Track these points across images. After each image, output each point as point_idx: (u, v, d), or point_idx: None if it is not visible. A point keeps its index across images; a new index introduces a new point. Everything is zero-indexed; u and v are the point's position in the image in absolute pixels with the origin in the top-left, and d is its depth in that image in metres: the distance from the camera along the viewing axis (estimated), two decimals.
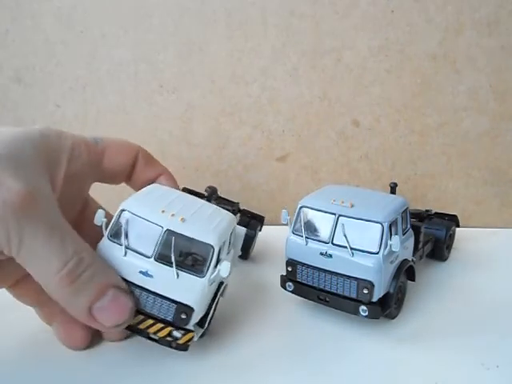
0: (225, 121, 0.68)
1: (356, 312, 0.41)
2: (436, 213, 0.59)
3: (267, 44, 0.65)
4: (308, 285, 0.44)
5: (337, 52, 0.64)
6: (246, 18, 0.64)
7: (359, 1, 0.62)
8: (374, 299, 0.41)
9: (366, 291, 0.40)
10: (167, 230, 0.34)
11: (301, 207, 0.45)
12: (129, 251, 0.35)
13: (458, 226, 0.59)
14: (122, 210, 0.36)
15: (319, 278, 0.43)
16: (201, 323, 0.37)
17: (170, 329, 0.35)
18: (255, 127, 0.68)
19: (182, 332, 0.35)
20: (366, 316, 0.41)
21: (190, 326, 0.35)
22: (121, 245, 0.35)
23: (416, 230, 0.48)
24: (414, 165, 0.67)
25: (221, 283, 0.39)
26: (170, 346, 0.35)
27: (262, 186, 0.70)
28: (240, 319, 0.45)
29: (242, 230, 0.50)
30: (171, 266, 0.34)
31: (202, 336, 0.38)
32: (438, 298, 0.48)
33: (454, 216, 0.59)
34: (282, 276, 0.46)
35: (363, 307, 0.41)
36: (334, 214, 0.42)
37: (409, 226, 0.46)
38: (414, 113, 0.65)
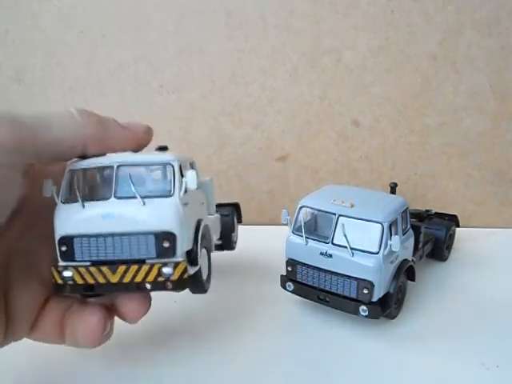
0: (225, 121, 0.68)
1: (356, 312, 0.41)
2: (436, 213, 0.59)
3: (267, 44, 0.65)
4: (308, 285, 0.44)
5: (337, 52, 0.64)
6: (246, 18, 0.64)
7: (359, 1, 0.62)
8: (374, 299, 0.41)
9: (366, 291, 0.40)
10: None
11: (301, 207, 0.45)
12: None
13: (457, 225, 0.59)
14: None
15: (319, 277, 0.43)
16: (191, 260, 0.33)
17: (158, 266, 0.31)
18: (255, 127, 0.68)
19: (172, 265, 0.31)
20: (366, 316, 0.41)
21: (178, 257, 0.32)
22: None
23: (416, 230, 0.48)
24: (414, 165, 0.67)
25: (199, 221, 0.36)
26: (166, 289, 0.31)
27: (262, 186, 0.70)
28: (240, 319, 0.45)
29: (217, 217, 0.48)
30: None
31: (202, 291, 0.35)
32: (438, 298, 0.48)
33: (454, 216, 0.59)
34: (281, 276, 0.46)
35: (363, 307, 0.41)
36: (334, 213, 0.42)
37: (409, 226, 0.46)
38: (414, 113, 0.65)
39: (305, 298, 0.45)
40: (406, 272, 0.44)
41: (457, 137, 0.65)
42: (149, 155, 0.34)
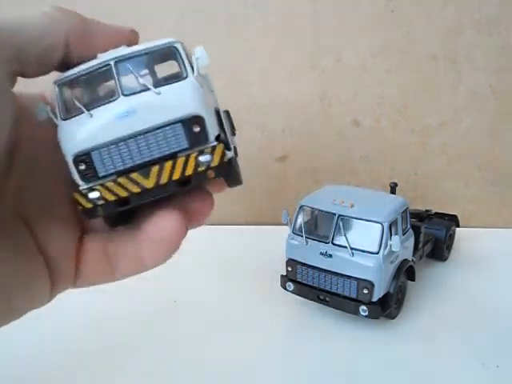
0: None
1: (356, 312, 0.41)
2: (436, 213, 0.59)
3: (267, 44, 0.65)
4: (308, 285, 0.44)
5: (337, 52, 0.64)
6: (246, 18, 0.64)
7: (359, 1, 0.62)
8: (374, 299, 0.41)
9: (366, 291, 0.41)
10: None
11: (301, 207, 0.45)
12: None
13: (457, 226, 0.59)
14: None
15: (319, 278, 0.43)
16: (225, 144, 0.29)
17: (194, 155, 0.27)
18: (255, 127, 0.68)
19: (209, 150, 0.28)
20: (366, 316, 0.41)
21: (212, 142, 0.28)
22: None
23: (416, 230, 0.48)
24: (414, 165, 0.67)
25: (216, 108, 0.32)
26: (208, 178, 0.28)
27: (262, 186, 0.70)
28: (240, 319, 0.45)
29: None
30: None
31: (239, 181, 0.32)
32: (438, 297, 0.48)
33: (454, 216, 0.59)
34: (282, 276, 0.46)
35: (363, 307, 0.41)
36: (334, 213, 0.42)
37: (409, 225, 0.46)
38: (414, 113, 0.65)
39: (305, 297, 0.45)
40: (405, 272, 0.44)
41: (457, 137, 0.65)
42: (147, 43, 0.29)
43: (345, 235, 0.41)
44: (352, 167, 0.68)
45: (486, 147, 0.65)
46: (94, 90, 0.29)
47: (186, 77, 0.28)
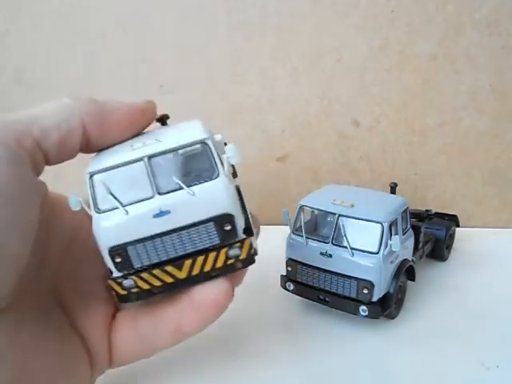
0: (225, 121, 0.68)
1: (356, 312, 0.41)
2: (436, 213, 0.59)
3: (267, 44, 0.65)
4: (308, 285, 0.44)
5: (337, 52, 0.64)
6: (246, 18, 0.64)
7: (359, 1, 0.62)
8: (374, 299, 0.41)
9: (366, 291, 0.41)
10: None
11: (301, 207, 0.45)
12: None
13: (457, 225, 0.59)
14: None
15: (319, 277, 0.43)
16: (247, 231, 0.31)
17: (225, 251, 0.30)
18: (255, 127, 0.68)
19: (238, 246, 0.30)
20: (366, 316, 0.41)
21: (240, 236, 0.30)
22: None
23: (416, 230, 0.48)
24: (414, 165, 0.67)
25: (237, 187, 0.33)
26: (236, 269, 0.30)
27: (262, 186, 0.70)
28: (240, 319, 0.45)
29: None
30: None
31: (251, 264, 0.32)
32: (438, 298, 0.48)
33: (454, 216, 0.59)
34: (282, 276, 0.46)
35: (363, 307, 0.41)
36: (334, 213, 0.43)
37: (409, 225, 0.46)
38: (414, 113, 0.65)
39: (305, 298, 0.45)
40: (406, 272, 0.44)
41: (457, 137, 0.65)
42: (178, 136, 0.31)
43: (345, 235, 0.41)
44: (352, 167, 0.68)
45: (486, 147, 0.65)
46: (127, 183, 0.30)
47: (218, 176, 0.29)
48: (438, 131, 0.65)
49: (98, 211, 0.29)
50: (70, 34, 0.67)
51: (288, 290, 0.45)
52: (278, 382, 0.37)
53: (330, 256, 0.42)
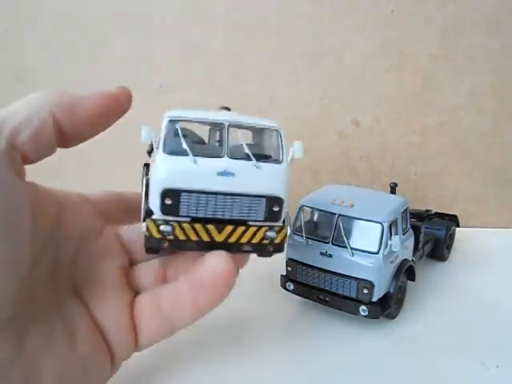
0: None
1: (356, 312, 0.41)
2: (436, 213, 0.59)
3: (267, 44, 0.65)
4: (308, 285, 0.44)
5: (337, 52, 0.64)
6: (246, 18, 0.64)
7: (359, 1, 0.62)
8: (374, 299, 0.41)
9: (365, 291, 0.41)
10: None
11: (301, 207, 0.45)
12: None
13: (457, 225, 0.59)
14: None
15: (319, 277, 0.43)
16: (284, 222, 0.33)
17: (264, 229, 0.31)
18: None
19: (276, 229, 0.32)
20: (365, 316, 0.41)
21: (280, 222, 0.32)
22: None
23: (416, 230, 0.48)
24: (414, 165, 0.67)
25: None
26: (266, 251, 0.32)
27: None
28: (240, 319, 0.45)
29: None
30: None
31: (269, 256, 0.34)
32: (438, 298, 0.48)
33: (454, 216, 0.59)
34: (282, 276, 0.46)
35: (363, 307, 0.41)
36: (334, 213, 0.42)
37: (409, 225, 0.46)
38: (414, 113, 0.65)
39: (305, 297, 0.45)
40: (406, 272, 0.44)
41: (457, 137, 0.65)
42: (255, 118, 0.33)
43: (345, 235, 0.41)
44: (352, 167, 0.68)
45: (486, 147, 0.65)
46: (201, 139, 0.33)
47: (282, 162, 0.32)
48: (438, 131, 0.65)
49: (167, 152, 0.30)
50: (70, 33, 0.67)
51: (288, 290, 0.45)
52: (278, 381, 0.37)
53: (330, 256, 0.42)
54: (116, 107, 0.31)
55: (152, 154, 0.34)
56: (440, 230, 0.56)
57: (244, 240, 0.31)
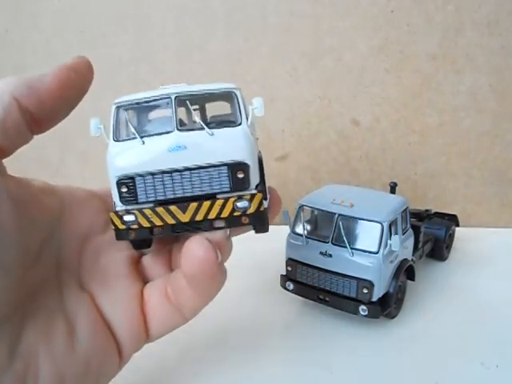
0: None
1: (356, 311, 0.41)
2: (436, 212, 0.59)
3: (267, 44, 0.65)
4: (308, 284, 0.44)
5: (337, 52, 0.64)
6: (246, 18, 0.64)
7: (359, 1, 0.62)
8: (374, 299, 0.41)
9: (365, 291, 0.41)
10: None
11: (301, 206, 0.45)
12: None
13: (457, 225, 0.59)
14: None
15: (319, 277, 0.43)
16: (260, 191, 0.30)
17: (233, 200, 0.28)
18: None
19: (247, 198, 0.29)
20: (365, 315, 0.41)
21: (252, 189, 0.30)
22: None
23: (416, 230, 0.48)
24: (414, 165, 0.67)
25: (259, 155, 0.32)
26: (242, 224, 0.29)
27: None
28: (240, 319, 0.45)
29: None
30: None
31: (266, 229, 0.32)
32: (438, 297, 0.48)
33: (454, 216, 0.59)
34: (281, 276, 0.46)
35: (363, 307, 0.41)
36: (334, 213, 0.43)
37: (408, 225, 0.46)
38: (414, 113, 0.65)
39: (305, 297, 0.45)
40: (405, 272, 0.44)
41: (457, 137, 0.65)
42: (206, 85, 0.30)
43: (345, 235, 0.41)
44: (352, 167, 0.68)
45: (486, 147, 0.65)
46: (149, 117, 0.31)
47: (240, 124, 0.29)
48: (438, 131, 0.65)
49: (116, 139, 0.29)
50: (70, 34, 0.67)
51: (288, 290, 0.45)
52: (278, 381, 0.37)
53: (330, 256, 0.42)
54: (77, 78, 0.30)
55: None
56: (440, 229, 0.56)
57: (212, 215, 0.28)
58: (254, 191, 0.29)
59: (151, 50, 0.66)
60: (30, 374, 0.25)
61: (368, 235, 0.41)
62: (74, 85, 0.30)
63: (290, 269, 0.45)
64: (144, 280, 0.33)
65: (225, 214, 0.28)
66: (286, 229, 0.46)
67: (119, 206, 0.29)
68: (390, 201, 0.45)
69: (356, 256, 0.41)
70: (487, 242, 0.61)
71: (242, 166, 0.29)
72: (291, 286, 0.45)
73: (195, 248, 0.28)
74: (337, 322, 0.44)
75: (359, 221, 0.42)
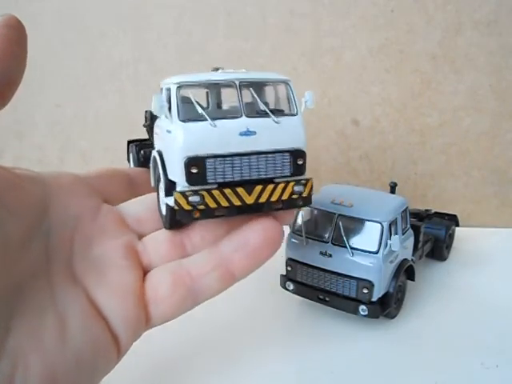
0: None
1: (356, 311, 0.41)
2: (436, 212, 0.60)
3: (267, 44, 0.65)
4: (308, 284, 0.44)
5: (337, 52, 0.64)
6: (246, 18, 0.64)
7: (359, 1, 0.62)
8: (374, 299, 0.41)
9: (365, 291, 0.41)
10: None
11: None
12: None
13: (457, 225, 0.59)
14: None
15: (319, 277, 0.43)
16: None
17: (292, 184, 0.31)
18: None
19: (303, 183, 0.31)
20: (365, 315, 0.41)
21: (305, 175, 0.32)
22: None
23: (416, 230, 0.48)
24: (414, 164, 0.67)
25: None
26: (296, 205, 0.32)
27: None
28: (240, 319, 0.45)
29: None
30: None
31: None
32: (438, 297, 0.48)
33: (454, 216, 0.59)
34: (281, 276, 0.46)
35: (363, 307, 0.41)
36: (334, 213, 0.43)
37: (408, 225, 0.46)
38: (414, 113, 0.65)
39: (305, 297, 0.45)
40: (405, 272, 0.44)
41: (457, 137, 0.65)
42: (260, 73, 0.33)
43: (344, 235, 0.41)
44: (352, 167, 0.68)
45: (486, 147, 0.65)
46: (213, 101, 0.32)
47: (296, 114, 0.32)
48: (438, 131, 0.65)
49: (183, 119, 0.29)
50: (70, 33, 0.67)
51: (288, 290, 0.45)
52: (278, 380, 0.37)
53: (330, 256, 0.42)
54: (9, 33, 0.30)
55: (155, 125, 0.33)
56: (439, 229, 0.56)
57: (274, 198, 0.30)
58: (308, 177, 0.32)
59: (151, 50, 0.66)
60: (19, 372, 0.24)
61: (368, 235, 0.41)
62: (10, 41, 0.29)
63: (289, 269, 0.45)
64: (143, 266, 0.32)
65: (285, 196, 0.31)
66: (286, 229, 0.45)
67: (184, 187, 0.29)
68: (389, 201, 0.45)
69: (356, 256, 0.41)
70: (487, 242, 0.61)
71: (301, 154, 0.31)
72: (291, 286, 0.45)
73: (265, 222, 0.31)
74: (337, 322, 0.44)
75: (359, 221, 0.42)
